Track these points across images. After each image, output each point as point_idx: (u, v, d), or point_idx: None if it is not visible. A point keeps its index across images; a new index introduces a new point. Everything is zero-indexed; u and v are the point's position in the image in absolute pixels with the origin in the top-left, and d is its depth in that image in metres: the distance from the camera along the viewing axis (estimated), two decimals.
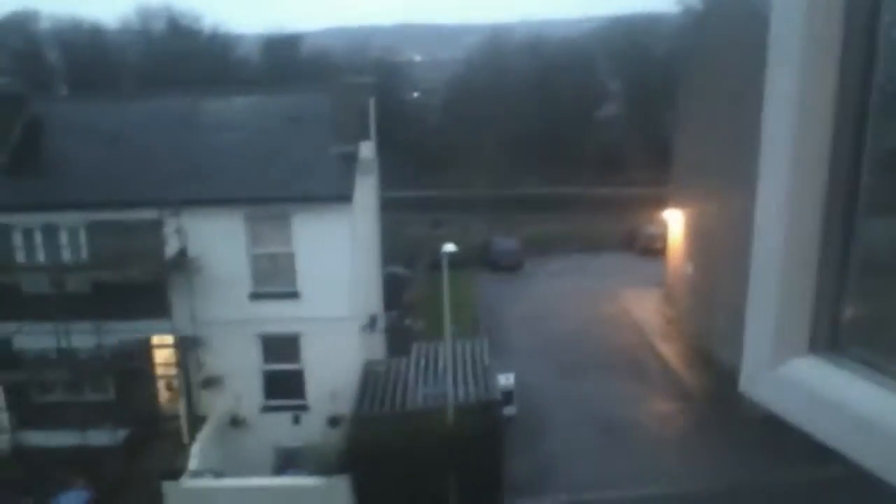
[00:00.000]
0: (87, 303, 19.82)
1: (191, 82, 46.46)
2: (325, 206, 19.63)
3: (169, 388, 21.40)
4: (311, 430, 20.40)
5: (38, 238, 20.20)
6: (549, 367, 26.64)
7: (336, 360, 20.35)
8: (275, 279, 20.48)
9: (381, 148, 25.82)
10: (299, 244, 20.05)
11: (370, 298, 23.60)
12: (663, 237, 34.92)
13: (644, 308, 32.84)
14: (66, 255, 20.20)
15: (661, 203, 34.03)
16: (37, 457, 19.78)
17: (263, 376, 21.11)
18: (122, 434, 20.24)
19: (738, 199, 19.18)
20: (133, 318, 19.83)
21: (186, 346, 20.27)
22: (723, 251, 22.68)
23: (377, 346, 23.67)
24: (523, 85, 59.31)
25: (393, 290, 28.96)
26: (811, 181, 1.46)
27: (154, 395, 21.40)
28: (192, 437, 19.24)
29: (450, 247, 19.12)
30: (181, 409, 19.86)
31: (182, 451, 18.86)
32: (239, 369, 20.71)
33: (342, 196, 19.67)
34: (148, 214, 19.40)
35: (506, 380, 22.47)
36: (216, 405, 20.76)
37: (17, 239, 20.17)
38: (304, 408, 21.00)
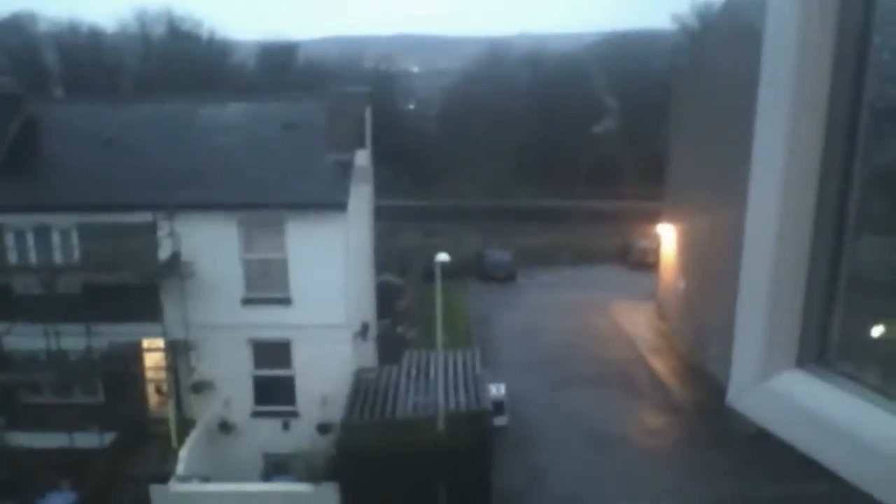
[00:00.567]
0: (78, 304, 19.75)
1: (188, 87, 46.55)
2: (320, 214, 19.64)
3: (158, 391, 21.32)
4: (301, 436, 20.32)
5: (31, 239, 20.13)
6: (541, 378, 26.64)
7: (327, 366, 20.31)
8: (267, 285, 20.45)
9: (377, 157, 25.88)
10: (293, 250, 20.03)
11: (363, 306, 23.58)
12: (656, 251, 35.05)
13: (636, 322, 32.89)
14: (59, 257, 20.13)
15: (655, 217, 34.17)
16: (23, 458, 19.63)
17: (254, 381, 21.05)
18: (109, 437, 20.14)
19: (732, 214, 19.31)
20: (124, 320, 19.77)
21: (177, 350, 20.21)
22: (715, 266, 22.80)
23: (369, 354, 23.65)
24: (520, 98, 59.56)
25: (386, 299, 28.95)
26: (800, 198, 1.48)
27: (143, 398, 21.31)
28: (181, 442, 19.14)
29: (443, 256, 19.15)
30: (170, 412, 19.76)
31: (170, 455, 18.77)
32: (229, 374, 20.65)
33: (337, 203, 19.68)
34: (141, 217, 19.38)
35: (497, 390, 22.45)
36: (205, 410, 20.68)
37: (9, 239, 20.10)
38: (294, 414, 20.93)
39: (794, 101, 1.45)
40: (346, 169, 20.50)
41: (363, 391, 19.85)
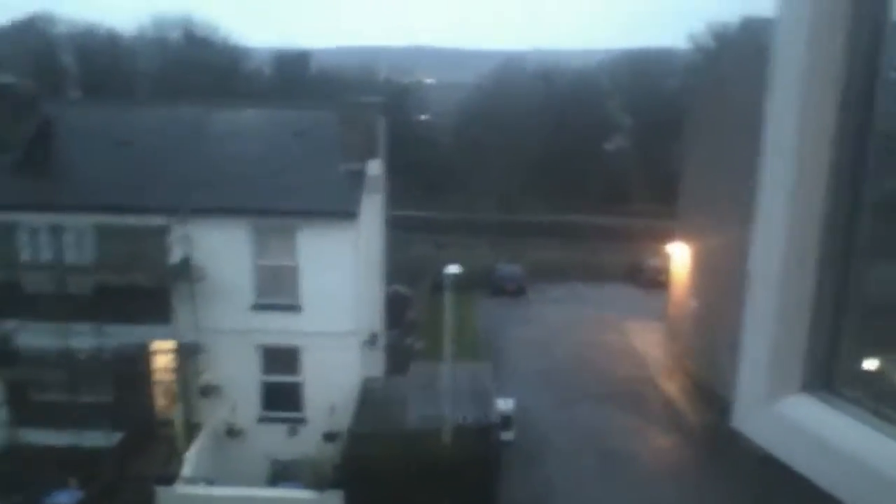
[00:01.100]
0: (89, 305, 19.88)
1: (203, 92, 46.88)
2: (331, 222, 19.72)
3: (166, 393, 21.37)
4: (307, 443, 20.34)
5: (44, 238, 20.27)
6: (550, 394, 26.55)
7: (335, 375, 20.34)
8: (278, 291, 20.52)
9: (389, 167, 25.97)
10: (303, 258, 20.11)
11: (372, 315, 23.61)
12: (667, 270, 34.92)
13: (646, 341, 32.75)
14: (71, 257, 20.28)
15: (667, 236, 34.08)
16: (31, 454, 19.72)
17: (262, 387, 21.09)
18: (117, 437, 20.19)
19: (744, 234, 19.17)
20: (134, 322, 19.88)
21: (186, 353, 20.28)
22: (727, 287, 22.71)
23: (377, 364, 23.65)
24: (533, 113, 59.69)
25: (395, 309, 28.97)
26: (808, 221, 1.48)
27: (151, 399, 21.38)
28: (188, 444, 19.19)
29: (454, 268, 19.17)
30: (177, 415, 19.83)
31: (176, 457, 18.81)
32: (237, 379, 20.70)
33: (348, 212, 19.77)
34: (155, 221, 19.52)
35: (505, 405, 22.38)
36: (213, 413, 20.72)
37: (23, 238, 20.26)
38: (301, 421, 20.95)
39: (802, 123, 1.46)
40: (358, 178, 20.60)
41: (370, 400, 19.85)
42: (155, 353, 21.09)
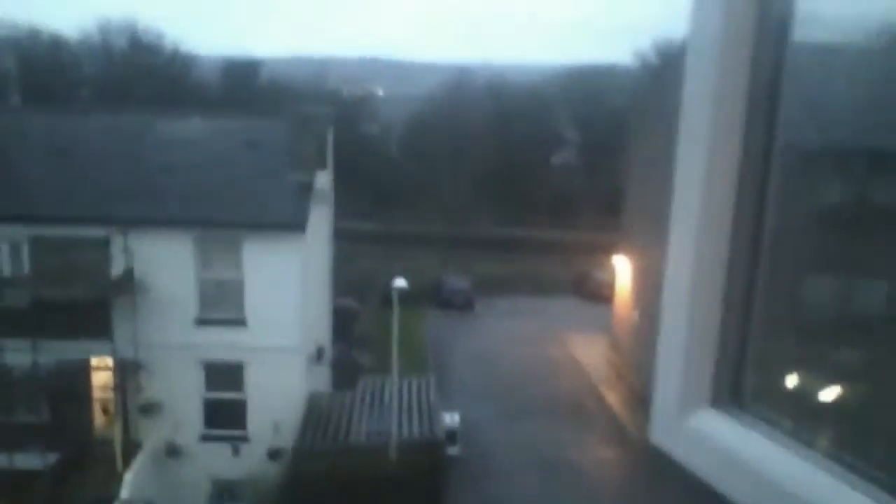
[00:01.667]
0: (25, 319, 19.21)
1: (148, 100, 46.04)
2: (278, 234, 19.52)
3: (105, 411, 20.79)
4: (251, 461, 19.98)
5: None
6: (495, 407, 26.64)
7: (280, 390, 20.05)
8: (222, 305, 20.20)
9: (338, 179, 25.86)
10: (249, 271, 19.85)
11: (319, 330, 23.40)
12: (611, 283, 35.47)
13: (590, 353, 33.16)
14: (7, 269, 19.63)
15: (612, 249, 34.65)
16: None
17: (204, 404, 20.68)
18: (52, 458, 19.52)
19: None
20: (73, 337, 19.27)
21: (126, 370, 19.77)
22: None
23: (323, 379, 23.42)
24: (482, 126, 60.14)
25: (342, 323, 28.75)
26: (716, 238, 1.52)
27: (89, 418, 20.75)
28: (126, 465, 18.68)
29: (400, 282, 19.15)
30: (116, 434, 19.29)
31: (115, 478, 18.28)
32: (179, 396, 20.25)
33: (295, 224, 19.59)
34: (95, 232, 19.04)
35: (451, 419, 22.40)
36: (153, 432, 20.21)
37: None
38: (244, 438, 20.58)
39: (709, 144, 1.51)
40: (306, 190, 20.45)
41: (316, 417, 19.65)
42: (94, 369, 20.51)
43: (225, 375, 20.48)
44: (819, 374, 1.52)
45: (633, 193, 32.24)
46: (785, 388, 1.56)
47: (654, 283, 27.15)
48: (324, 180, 22.39)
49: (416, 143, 62.66)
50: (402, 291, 18.90)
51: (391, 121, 71.99)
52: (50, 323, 18.98)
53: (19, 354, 19.16)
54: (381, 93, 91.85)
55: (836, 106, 1.45)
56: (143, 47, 64.45)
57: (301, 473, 17.13)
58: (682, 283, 1.58)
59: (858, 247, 1.46)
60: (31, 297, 19.48)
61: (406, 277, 20.04)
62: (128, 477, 18.10)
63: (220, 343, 19.96)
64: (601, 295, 39.13)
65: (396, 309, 18.12)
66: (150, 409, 20.19)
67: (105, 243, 19.07)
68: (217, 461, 20.29)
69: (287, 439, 19.20)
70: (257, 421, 20.39)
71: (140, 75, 57.66)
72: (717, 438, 1.52)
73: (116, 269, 19.46)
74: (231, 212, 19.63)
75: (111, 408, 20.29)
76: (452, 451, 21.42)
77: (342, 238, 28.51)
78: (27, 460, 19.21)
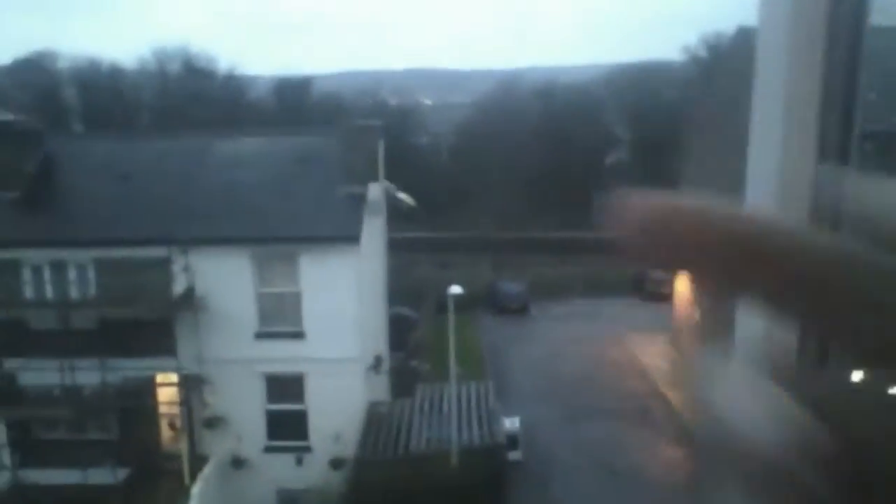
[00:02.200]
0: (93, 339, 19.84)
1: (204, 123, 47.16)
2: (333, 247, 19.72)
3: (172, 426, 21.27)
4: (314, 472, 20.20)
5: (47, 274, 20.32)
6: (555, 411, 26.36)
7: (340, 400, 20.22)
8: (281, 318, 20.49)
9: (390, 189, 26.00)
10: (306, 284, 20.09)
11: (376, 339, 23.54)
12: (671, 282, 34.80)
13: (651, 354, 32.57)
14: (74, 292, 20.29)
15: None
16: (36, 494, 19.60)
17: (267, 416, 20.98)
18: (122, 473, 20.06)
19: None
20: (138, 355, 19.83)
21: (191, 385, 20.21)
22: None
23: (382, 388, 23.53)
24: (532, 129, 59.87)
25: (399, 331, 28.87)
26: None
27: (157, 433, 21.27)
28: (193, 478, 19.06)
29: (456, 289, 19.15)
30: (183, 448, 19.73)
31: (183, 491, 18.68)
32: (242, 409, 20.60)
33: (350, 237, 19.77)
34: (156, 252, 19.53)
35: (511, 424, 22.21)
36: (218, 445, 20.60)
37: (26, 274, 20.29)
38: (307, 449, 20.80)
39: (784, 130, 1.44)
40: (359, 202, 20.62)
41: (376, 426, 19.73)
42: (159, 385, 21.03)
43: (286, 387, 20.75)
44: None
45: (689, 190, 31.58)
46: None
47: None
48: (376, 192, 22.55)
49: (466, 150, 62.72)
50: (457, 298, 18.88)
51: (441, 129, 72.29)
52: (116, 342, 19.57)
53: (89, 374, 19.76)
54: (429, 102, 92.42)
55: None
56: (197, 72, 66.23)
57: (363, 482, 17.21)
58: None
59: None
60: (97, 318, 20.14)
61: (460, 284, 20.04)
62: (195, 490, 18.47)
63: (280, 356, 20.24)
64: (660, 294, 38.42)
65: (452, 315, 18.11)
66: (214, 423, 20.59)
67: (167, 263, 19.55)
68: (281, 472, 20.55)
69: (348, 449, 19.34)
70: (319, 431, 20.59)
71: (196, 99, 59.23)
72: None
73: (178, 287, 19.92)
74: (286, 227, 19.91)
75: (177, 422, 20.75)
76: (514, 455, 21.23)
77: (396, 247, 28.64)
78: (99, 476, 19.76)
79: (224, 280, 19.91)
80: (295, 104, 62.83)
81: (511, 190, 55.50)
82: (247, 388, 20.53)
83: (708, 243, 0.40)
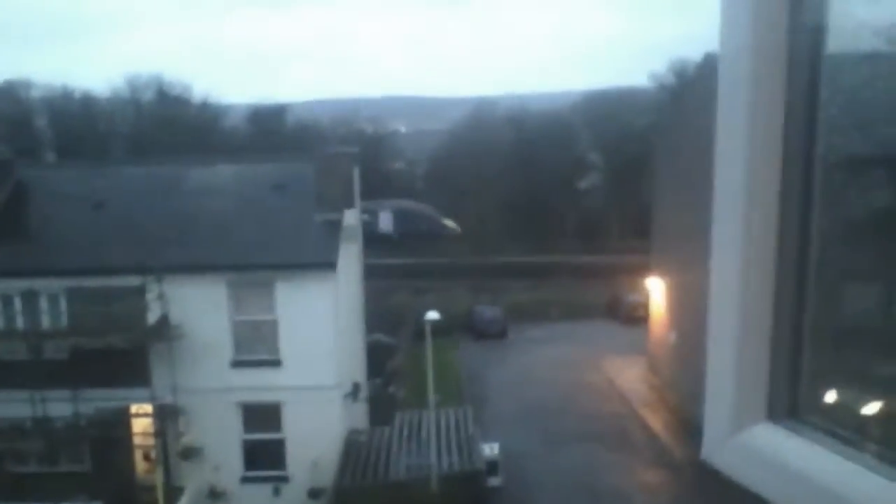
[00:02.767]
0: (65, 370, 19.53)
1: (179, 150, 47.00)
2: (309, 274, 19.65)
3: (146, 457, 20.91)
4: (292, 501, 19.93)
5: (18, 304, 19.99)
6: (535, 436, 26.31)
7: (318, 429, 20.03)
8: (257, 347, 20.32)
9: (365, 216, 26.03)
10: (282, 311, 19.97)
11: (353, 366, 23.41)
12: (646, 305, 35.09)
13: (628, 376, 32.71)
14: (46, 322, 19.98)
15: (643, 271, 34.32)
16: None
17: (243, 446, 20.71)
18: None
19: None
20: (112, 385, 19.51)
21: (165, 415, 19.91)
22: (705, 319, 22.87)
23: (360, 415, 23.36)
24: (506, 156, 60.40)
25: (377, 358, 28.75)
26: (761, 256, 1.51)
27: (131, 465, 20.89)
28: None
29: (433, 314, 19.14)
30: (158, 480, 19.37)
31: None
32: (218, 438, 20.31)
33: (326, 263, 19.72)
34: (130, 281, 19.31)
35: (490, 449, 22.12)
36: (195, 476, 20.27)
37: None
38: (284, 479, 20.53)
39: (749, 157, 1.50)
40: (334, 228, 20.62)
41: (355, 453, 19.57)
42: (134, 416, 20.68)
43: (262, 416, 20.53)
44: (877, 382, 1.49)
45: (661, 214, 32.02)
46: (841, 398, 1.52)
47: (689, 304, 26.81)
48: (352, 218, 22.57)
49: (441, 176, 63.07)
50: (434, 323, 18.88)
51: (416, 156, 72.65)
52: (89, 372, 19.25)
53: (60, 405, 19.41)
54: (404, 129, 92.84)
55: (879, 112, 1.43)
56: (171, 99, 66.09)
57: None
58: (730, 298, 1.56)
59: None
60: (69, 348, 19.81)
61: (438, 309, 20.03)
62: None
63: (257, 384, 20.04)
64: (635, 317, 38.72)
65: (430, 341, 18.09)
66: (190, 454, 20.27)
67: (140, 291, 19.34)
68: (258, 502, 20.26)
69: (327, 478, 19.13)
70: (296, 460, 20.35)
71: (170, 126, 59.05)
72: (774, 452, 1.48)
73: (152, 316, 19.69)
74: (262, 254, 19.83)
75: (152, 454, 20.40)
76: (494, 481, 21.12)
77: (373, 274, 28.61)
78: None
79: (199, 308, 19.72)
80: (270, 132, 62.85)
81: (486, 215, 55.80)
82: (223, 417, 20.27)
83: None
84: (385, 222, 55.98)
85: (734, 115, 1.52)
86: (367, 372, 26.42)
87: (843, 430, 1.44)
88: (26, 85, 65.86)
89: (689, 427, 25.39)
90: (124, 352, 19.27)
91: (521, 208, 57.63)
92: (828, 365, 1.54)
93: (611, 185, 62.35)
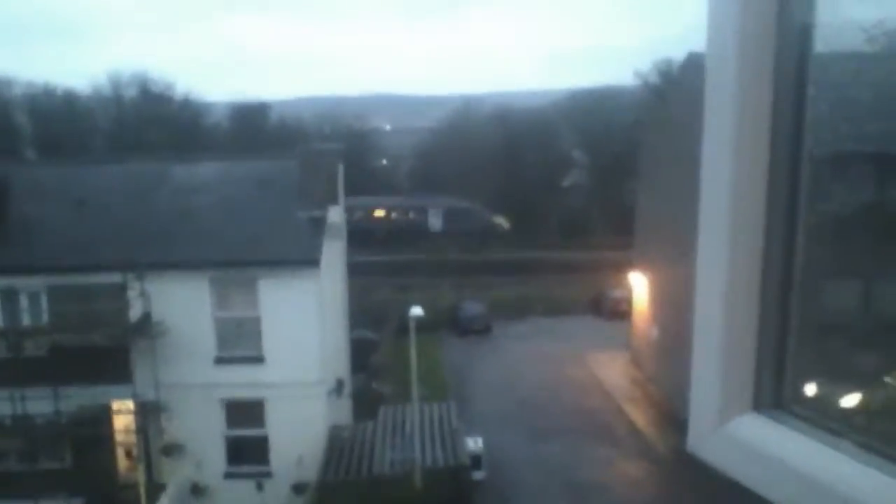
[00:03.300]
0: (46, 367, 19.34)
1: (161, 147, 46.66)
2: (293, 271, 19.60)
3: (128, 455, 20.79)
4: (276, 497, 19.89)
5: None
6: (518, 430, 26.43)
7: (302, 425, 20.02)
8: (240, 343, 20.26)
9: (350, 213, 25.98)
10: (266, 308, 19.91)
11: (337, 362, 23.38)
12: (629, 301, 35.31)
13: (611, 371, 32.92)
14: (26, 319, 19.79)
15: (626, 267, 34.53)
16: None
17: (226, 442, 20.66)
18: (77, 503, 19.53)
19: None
20: (93, 382, 19.38)
21: (147, 412, 19.80)
22: (687, 314, 23.04)
23: (344, 411, 23.35)
24: (490, 153, 60.49)
25: (360, 354, 28.74)
26: (748, 247, 1.53)
27: (113, 462, 20.75)
28: None
29: (417, 310, 19.14)
30: (140, 477, 19.27)
31: None
32: (201, 435, 20.24)
33: (309, 260, 19.68)
34: (111, 278, 19.15)
35: (474, 444, 22.21)
36: (177, 472, 20.18)
37: None
38: (268, 475, 20.49)
39: (736, 153, 1.52)
40: (318, 225, 20.57)
41: (339, 449, 19.56)
42: (115, 413, 20.55)
43: (246, 413, 20.48)
44: (859, 374, 1.51)
45: (644, 211, 32.22)
46: (825, 390, 1.54)
47: (672, 299, 27.01)
48: (336, 215, 22.52)
49: (425, 173, 63.11)
50: (418, 319, 18.88)
51: (400, 153, 72.56)
52: (70, 369, 19.09)
53: (41, 402, 19.23)
54: (388, 127, 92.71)
55: (865, 109, 1.45)
56: (153, 97, 65.54)
57: None
58: (716, 288, 1.58)
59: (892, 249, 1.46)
60: (51, 345, 19.65)
61: (422, 305, 20.02)
62: None
63: (240, 381, 19.99)
64: (618, 313, 38.93)
65: (413, 337, 18.11)
66: (172, 450, 20.18)
67: (122, 289, 19.18)
68: (242, 498, 20.20)
69: (311, 473, 19.11)
70: (280, 456, 20.33)
71: (152, 124, 58.60)
72: (760, 442, 1.50)
73: (134, 313, 19.58)
74: (245, 251, 19.76)
75: (134, 451, 20.28)
76: (478, 475, 21.21)
77: (357, 271, 28.57)
78: None
79: (182, 305, 19.63)
80: (252, 129, 62.54)
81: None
82: (206, 414, 20.19)
83: None
84: (434, 220, 56.18)
85: (721, 113, 1.54)
86: (351, 368, 26.40)
87: (826, 420, 1.46)
88: (8, 83, 65.04)
89: (672, 421, 25.63)
90: (106, 349, 19.14)
91: (506, 205, 57.77)
92: (813, 357, 1.57)
93: (594, 182, 62.64)
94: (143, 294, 19.23)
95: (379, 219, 57.03)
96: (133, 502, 19.08)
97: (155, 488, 19.50)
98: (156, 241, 19.90)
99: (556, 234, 55.43)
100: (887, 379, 1.47)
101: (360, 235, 39.88)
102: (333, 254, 22.67)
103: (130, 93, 66.31)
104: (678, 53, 62.99)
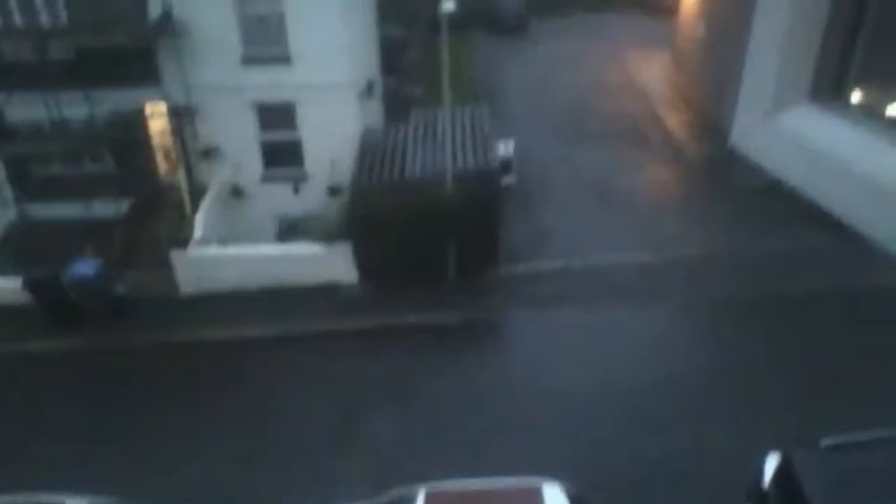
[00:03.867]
0: (74, 70, 19.23)
1: None
2: None
3: (167, 158, 21.34)
4: (312, 199, 20.66)
5: (13, 1, 19.03)
6: (550, 134, 26.29)
7: (334, 127, 20.09)
8: (266, 42, 19.61)
9: None
10: (288, 2, 18.94)
11: (367, 63, 22.73)
12: None
13: (651, 74, 31.69)
14: (45, 19, 19.17)
15: None
16: (43, 228, 20.24)
17: (261, 146, 20.97)
18: (124, 204, 20.53)
19: None
20: (123, 86, 19.33)
21: (180, 115, 19.93)
22: (738, 10, 21.25)
23: (375, 113, 23.24)
24: None
25: (391, 54, 27.77)
26: None
27: (153, 165, 21.40)
28: (195, 207, 19.50)
29: (449, 5, 17.89)
30: (181, 179, 19.93)
31: (185, 220, 19.21)
32: (236, 139, 20.54)
33: None
34: None
35: (505, 148, 22.26)
36: (216, 175, 20.83)
37: None
38: (303, 177, 21.08)
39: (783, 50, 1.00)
40: None
41: (371, 152, 19.73)
42: (149, 116, 20.71)
43: (278, 116, 20.50)
44: None
45: None
46: (882, 91, 1.19)
47: None
48: None
49: None
50: (451, 16, 17.74)
51: None
52: (98, 72, 18.95)
53: (75, 108, 19.37)
54: None
55: None
56: None
57: (360, 208, 17.60)
58: None
59: None
60: (75, 47, 19.28)
61: (453, 1, 18.70)
62: (198, 218, 18.97)
63: (269, 83, 19.73)
64: (665, 8, 36.47)
65: (445, 35, 17.12)
66: (209, 154, 20.64)
67: None
68: (279, 200, 21.03)
69: (345, 175, 19.55)
70: (314, 160, 20.72)
71: None
72: (811, 133, 1.21)
73: (153, 12, 18.83)
74: None
75: (172, 154, 20.77)
76: (508, 179, 21.57)
77: None
78: (102, 208, 20.26)
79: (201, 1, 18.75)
80: None
81: None
82: (238, 117, 20.27)
83: None
84: None
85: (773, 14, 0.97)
86: (382, 69, 25.73)
87: (882, 121, 1.14)
88: None
89: (708, 128, 25.06)
90: (131, 51, 18.79)
91: None
92: (881, 56, 1.21)
93: None
94: None
95: None
96: (177, 203, 19.97)
97: (197, 190, 20.27)
98: None
99: None
100: None
101: None
102: None
103: None
104: None
